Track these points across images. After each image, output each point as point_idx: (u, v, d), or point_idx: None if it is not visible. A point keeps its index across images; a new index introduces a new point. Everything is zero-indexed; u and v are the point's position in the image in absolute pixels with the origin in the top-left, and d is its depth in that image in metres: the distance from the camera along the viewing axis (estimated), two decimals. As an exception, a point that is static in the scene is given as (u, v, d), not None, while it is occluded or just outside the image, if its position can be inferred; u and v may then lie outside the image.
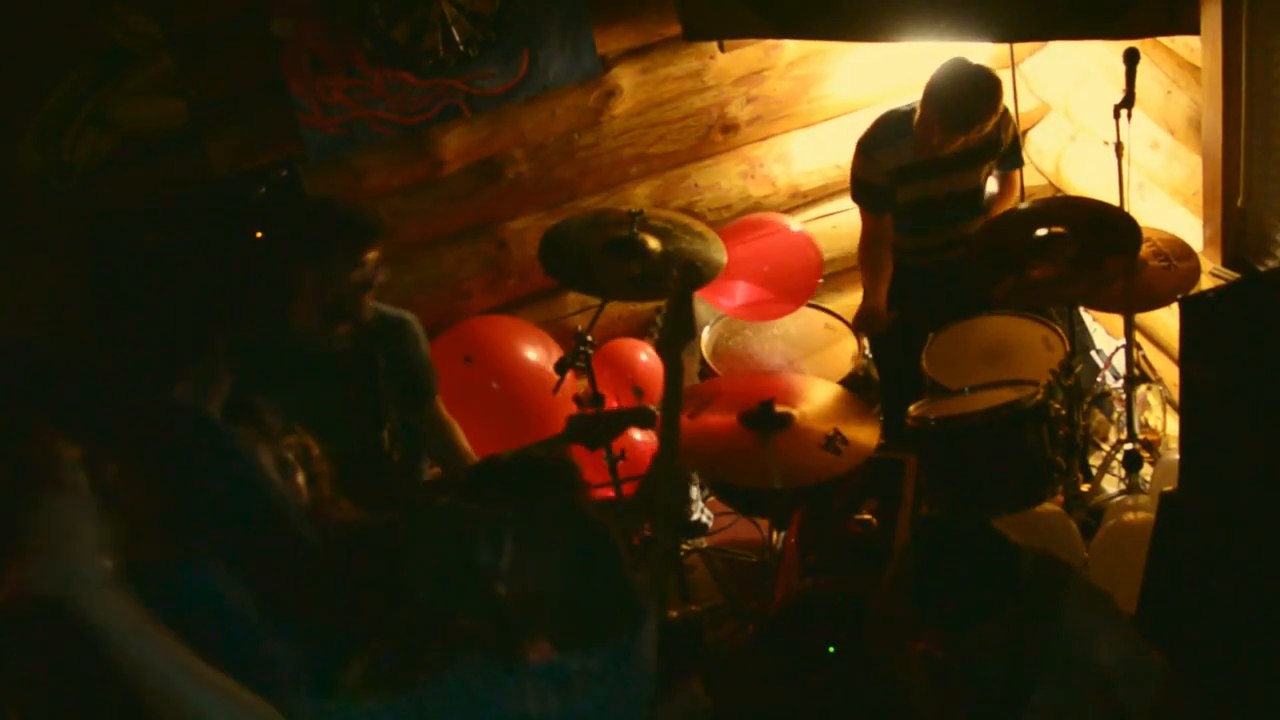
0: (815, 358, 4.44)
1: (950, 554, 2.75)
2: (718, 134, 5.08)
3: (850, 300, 5.13)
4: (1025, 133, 5.17)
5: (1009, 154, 4.46)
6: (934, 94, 4.15)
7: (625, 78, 4.86)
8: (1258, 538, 3.10)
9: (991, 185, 4.58)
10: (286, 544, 2.65)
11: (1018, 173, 4.61)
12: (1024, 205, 4.43)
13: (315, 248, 3.47)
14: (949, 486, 3.87)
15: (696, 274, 3.22)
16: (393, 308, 3.74)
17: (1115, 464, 4.51)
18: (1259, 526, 3.17)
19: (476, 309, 4.99)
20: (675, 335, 3.03)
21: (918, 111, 4.23)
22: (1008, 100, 4.58)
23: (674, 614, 3.22)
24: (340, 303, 3.50)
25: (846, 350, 4.47)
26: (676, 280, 3.24)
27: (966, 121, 4.13)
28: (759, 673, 3.23)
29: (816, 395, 3.95)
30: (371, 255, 3.49)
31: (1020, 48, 5.09)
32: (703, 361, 4.42)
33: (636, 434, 4.50)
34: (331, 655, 2.55)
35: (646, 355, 4.88)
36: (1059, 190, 5.31)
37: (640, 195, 5.04)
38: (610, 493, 3.92)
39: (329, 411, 3.40)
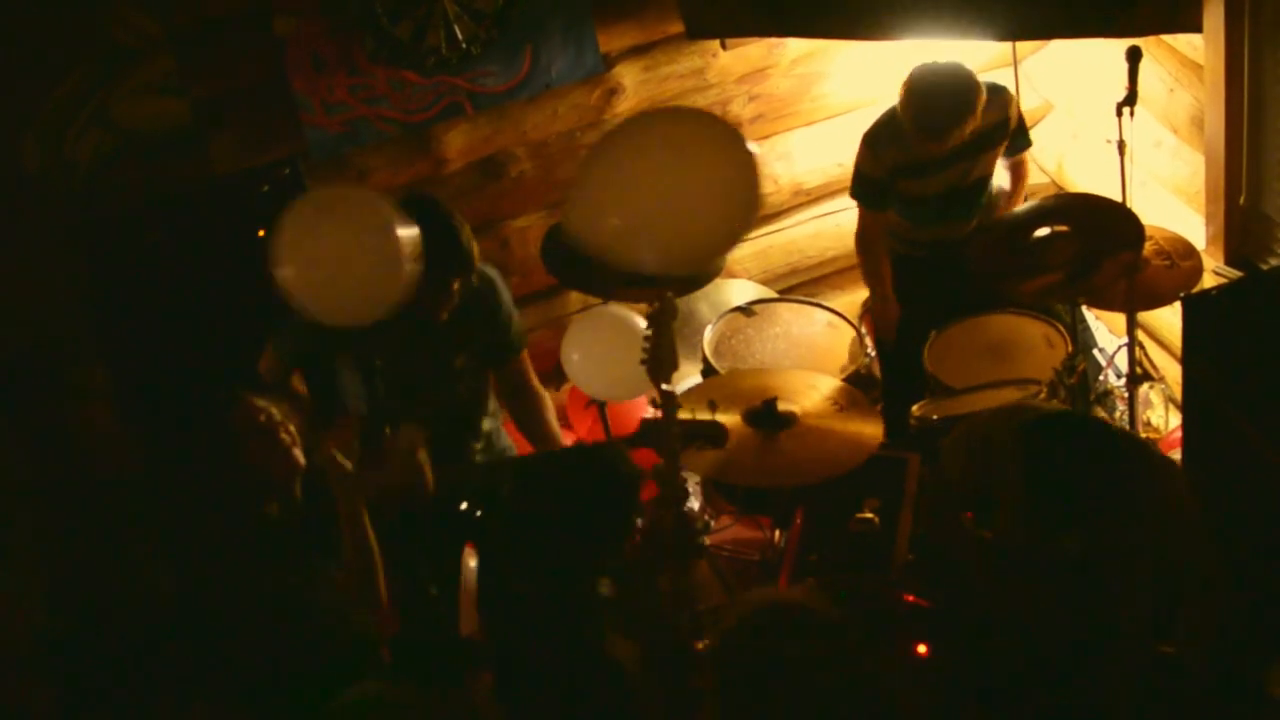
0: (817, 356, 4.43)
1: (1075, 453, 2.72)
2: (720, 132, 5.07)
3: (852, 298, 5.13)
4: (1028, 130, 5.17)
5: (1016, 135, 4.45)
6: (907, 106, 4.14)
7: (628, 76, 4.86)
8: (1259, 536, 3.10)
9: (1003, 174, 4.57)
10: None
11: (1027, 154, 4.60)
12: (1026, 204, 4.43)
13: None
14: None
15: (672, 307, 3.37)
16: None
17: (1117, 462, 4.50)
18: (1261, 525, 3.17)
19: (478, 307, 4.99)
20: (661, 366, 3.16)
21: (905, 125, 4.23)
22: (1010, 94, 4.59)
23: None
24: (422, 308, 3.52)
25: (849, 348, 4.46)
26: (654, 314, 3.34)
27: (944, 128, 4.10)
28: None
29: (819, 394, 3.94)
30: (457, 285, 3.50)
31: (1022, 46, 5.09)
32: (705, 360, 4.42)
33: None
34: None
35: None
36: (1061, 188, 5.31)
37: (642, 193, 5.03)
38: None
39: (398, 375, 3.49)
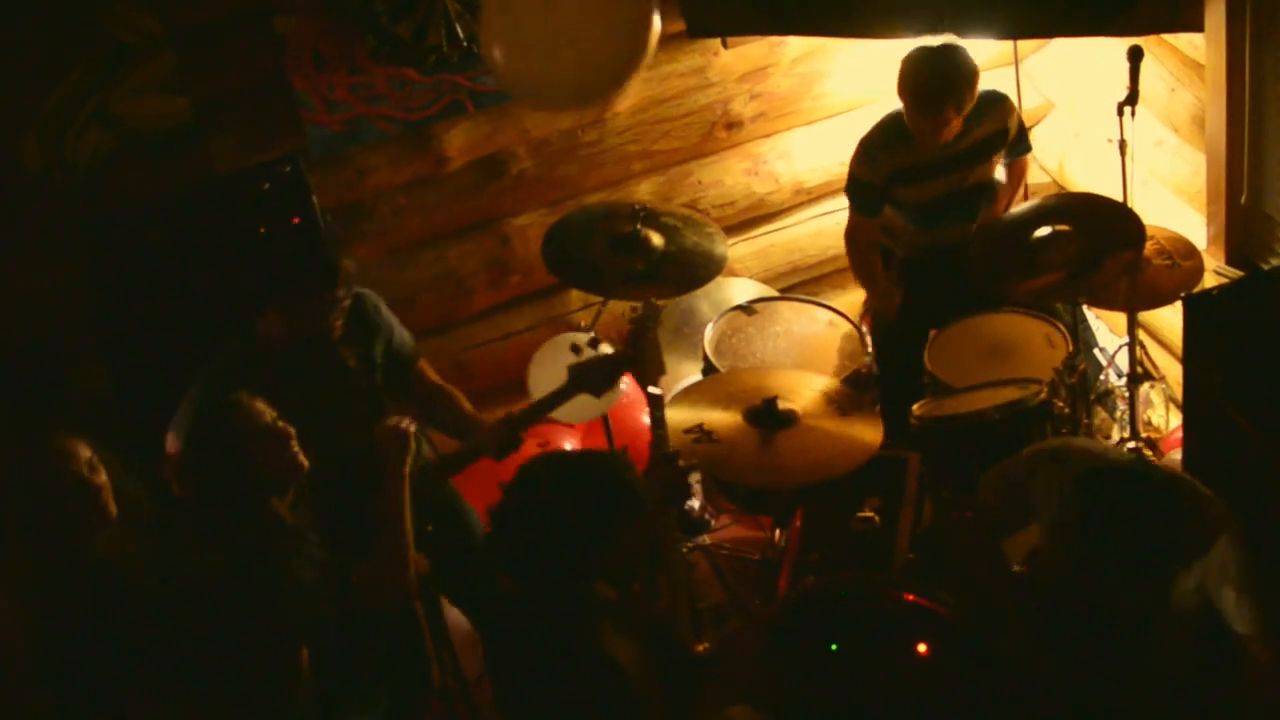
0: (818, 355, 4.43)
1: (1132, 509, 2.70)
2: (721, 131, 5.08)
3: (853, 297, 5.12)
4: (1029, 129, 5.17)
5: (1016, 141, 4.46)
6: (902, 79, 4.17)
7: (628, 74, 4.86)
8: (1260, 536, 3.10)
9: (1000, 174, 4.58)
10: None
11: (1027, 158, 4.61)
12: (1027, 204, 4.43)
13: (283, 290, 3.44)
14: (952, 485, 3.87)
15: (654, 311, 3.44)
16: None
17: (1118, 462, 4.51)
18: (1261, 524, 3.17)
19: (479, 306, 4.99)
20: (648, 369, 3.25)
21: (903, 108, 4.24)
22: (1011, 96, 4.58)
23: None
24: (308, 328, 3.48)
25: (850, 347, 4.47)
26: (638, 321, 3.36)
27: (938, 96, 4.11)
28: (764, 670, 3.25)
29: (820, 394, 3.94)
30: (341, 294, 3.44)
31: (1024, 45, 5.09)
32: (706, 358, 4.42)
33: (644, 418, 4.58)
34: None
35: (625, 384, 4.86)
36: (1063, 188, 5.31)
37: (644, 192, 5.04)
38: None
39: (316, 416, 3.41)
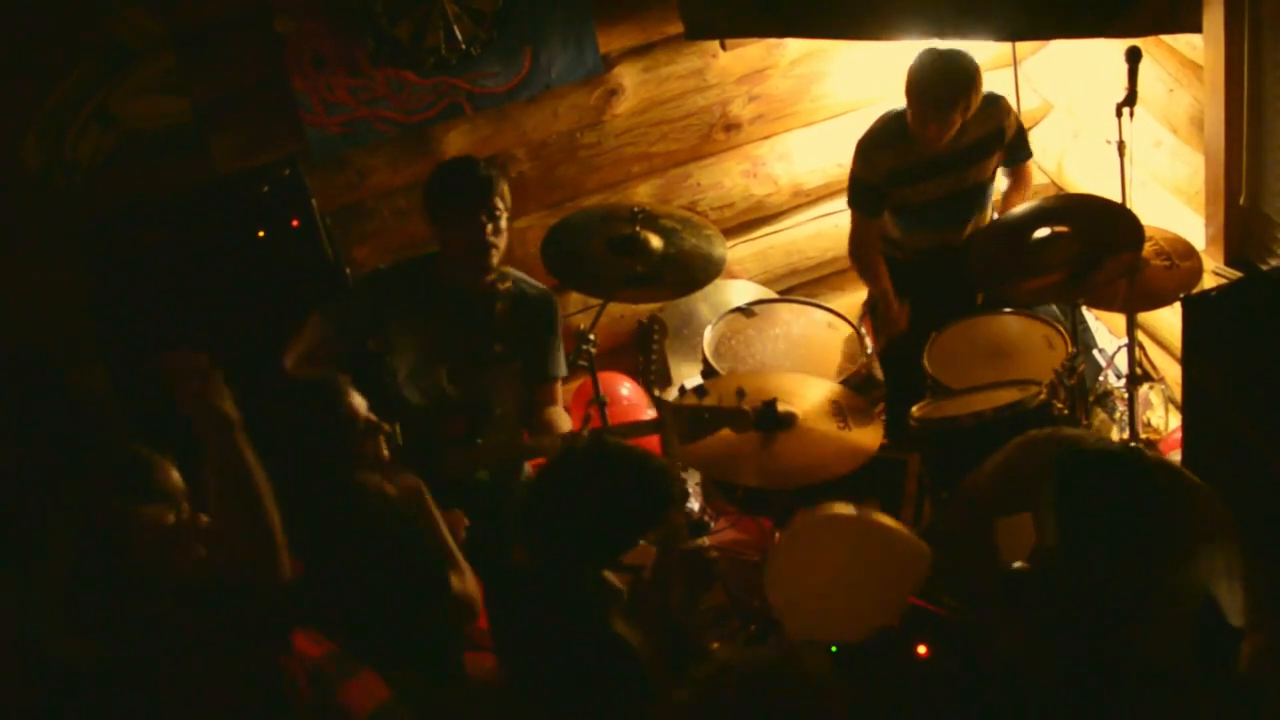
0: (817, 356, 4.43)
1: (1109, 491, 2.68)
2: (720, 133, 5.08)
3: (852, 299, 5.13)
4: (1028, 131, 5.17)
5: (1016, 146, 4.47)
6: (914, 81, 4.20)
7: (627, 76, 4.86)
8: (1259, 535, 3.10)
9: (1003, 181, 4.58)
10: None
11: (1029, 164, 4.62)
12: (1026, 204, 4.43)
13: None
14: (952, 487, 3.86)
15: (662, 326, 3.43)
16: (539, 285, 3.90)
17: (1117, 463, 4.50)
18: (1261, 524, 3.17)
19: (479, 307, 4.99)
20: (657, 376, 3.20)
21: (909, 110, 4.25)
22: (1010, 97, 4.59)
23: None
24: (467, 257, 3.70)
25: (849, 349, 4.46)
26: (646, 325, 3.36)
27: (951, 97, 4.14)
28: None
29: (819, 396, 3.94)
30: (484, 221, 3.68)
31: (1022, 46, 5.09)
32: (705, 360, 4.42)
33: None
34: None
35: (628, 389, 4.86)
36: (1061, 189, 5.31)
37: (642, 194, 5.04)
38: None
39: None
